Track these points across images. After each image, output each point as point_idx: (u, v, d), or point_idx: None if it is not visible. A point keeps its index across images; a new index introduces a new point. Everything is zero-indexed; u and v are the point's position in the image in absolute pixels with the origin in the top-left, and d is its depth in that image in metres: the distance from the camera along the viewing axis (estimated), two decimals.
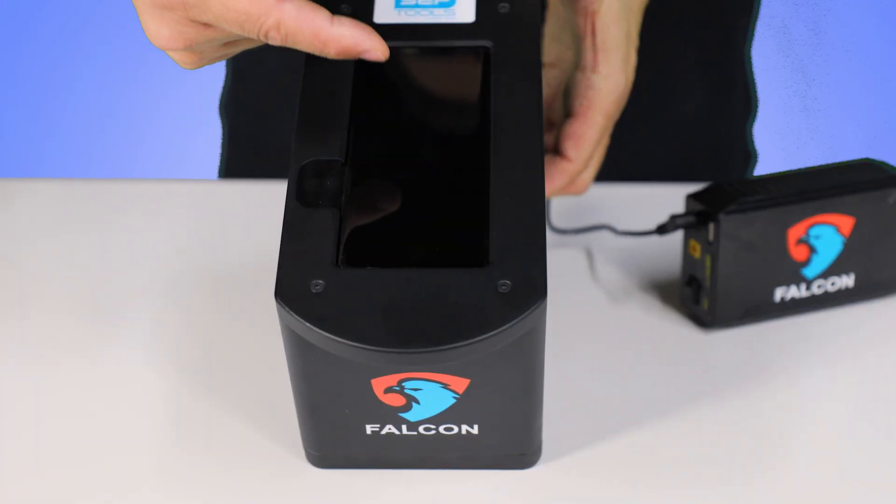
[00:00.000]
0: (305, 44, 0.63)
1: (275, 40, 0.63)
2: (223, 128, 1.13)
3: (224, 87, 1.11)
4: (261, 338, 0.76)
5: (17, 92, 2.51)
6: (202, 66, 0.67)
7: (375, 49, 0.64)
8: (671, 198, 0.87)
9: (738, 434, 0.69)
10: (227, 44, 0.66)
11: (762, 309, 0.77)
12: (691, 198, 0.77)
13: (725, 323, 0.77)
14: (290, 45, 0.63)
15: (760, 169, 1.10)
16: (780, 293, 0.77)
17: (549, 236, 0.87)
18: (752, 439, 0.69)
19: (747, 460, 0.67)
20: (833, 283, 0.78)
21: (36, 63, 2.47)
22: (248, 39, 0.65)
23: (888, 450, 0.68)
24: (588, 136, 0.72)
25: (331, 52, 0.64)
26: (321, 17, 0.63)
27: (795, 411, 0.71)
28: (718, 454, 0.67)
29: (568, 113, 0.73)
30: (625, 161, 1.04)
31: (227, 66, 1.10)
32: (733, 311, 0.77)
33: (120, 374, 0.74)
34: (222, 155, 1.14)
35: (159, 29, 0.63)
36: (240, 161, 1.09)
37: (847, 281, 0.78)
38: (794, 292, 0.77)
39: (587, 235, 0.87)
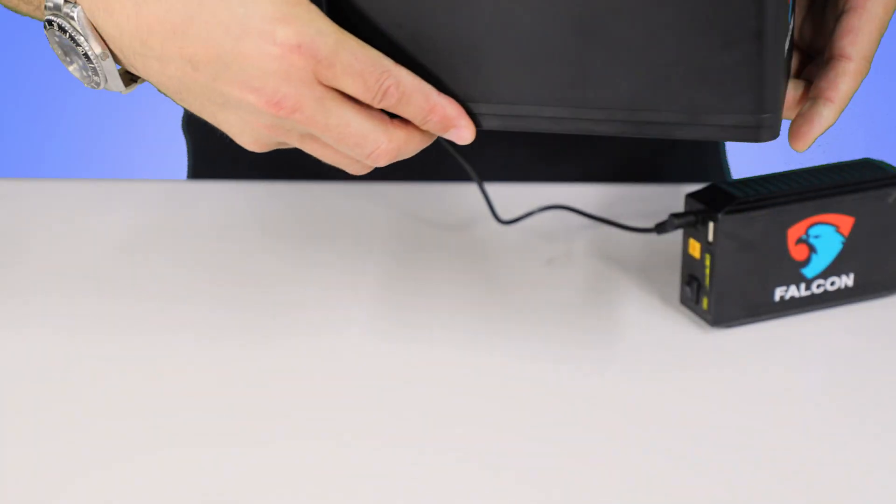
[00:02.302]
0: (415, 106, 0.64)
1: (390, 98, 0.63)
2: (187, 144, 1.12)
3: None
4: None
5: (16, 92, 2.51)
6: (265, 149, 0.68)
7: (467, 128, 0.65)
8: (672, 197, 0.87)
9: (737, 433, 0.69)
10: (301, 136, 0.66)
11: (762, 308, 0.77)
12: (691, 197, 0.77)
13: (725, 322, 0.77)
14: (399, 106, 0.64)
15: (763, 171, 1.10)
16: (779, 293, 0.77)
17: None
18: (751, 438, 0.68)
19: (747, 459, 0.67)
20: (833, 283, 0.78)
21: (36, 63, 2.47)
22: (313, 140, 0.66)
23: (888, 448, 0.68)
24: (866, 29, 0.67)
25: (434, 118, 0.65)
26: (428, 84, 0.64)
27: (795, 410, 0.71)
28: (718, 453, 0.67)
29: (840, 12, 0.69)
30: (602, 165, 1.04)
31: None
32: (733, 310, 0.77)
33: (120, 371, 0.74)
34: (189, 167, 1.13)
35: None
36: (206, 173, 1.08)
37: (846, 280, 0.78)
38: (793, 292, 0.77)
39: (587, 233, 0.87)
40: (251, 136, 0.66)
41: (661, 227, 0.78)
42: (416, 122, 0.65)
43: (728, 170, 1.14)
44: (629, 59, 0.63)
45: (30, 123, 2.52)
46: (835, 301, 0.79)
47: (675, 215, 0.77)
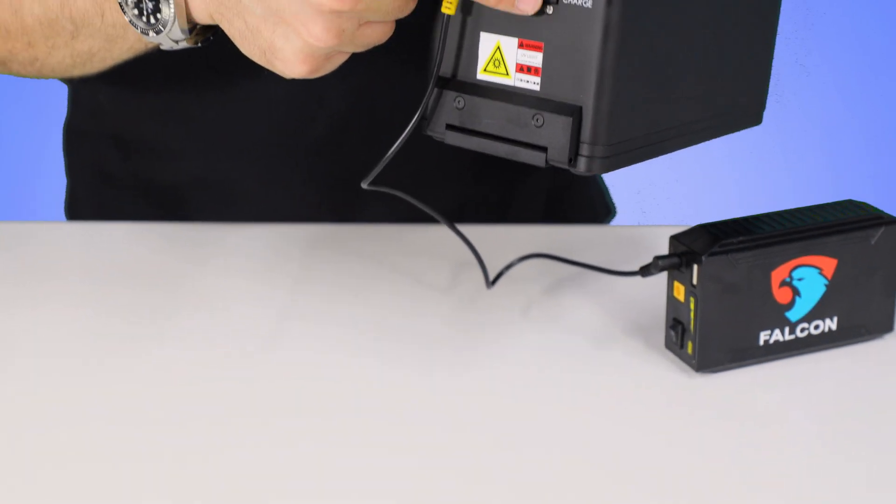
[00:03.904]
0: None
1: None
2: None
3: (67, 193, 1.11)
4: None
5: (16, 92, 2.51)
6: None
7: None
8: (656, 239, 0.86)
9: (723, 478, 0.69)
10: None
11: (746, 352, 0.77)
12: (675, 239, 0.77)
13: (710, 366, 0.77)
14: None
15: (761, 180, 1.10)
16: (763, 336, 0.77)
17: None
18: (737, 483, 0.69)
19: (733, 503, 0.67)
20: (816, 326, 0.78)
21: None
22: None
23: (874, 491, 0.68)
24: None
25: None
26: None
27: (781, 454, 0.71)
28: (704, 499, 0.68)
29: None
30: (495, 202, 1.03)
31: (68, 176, 1.10)
32: (717, 354, 0.77)
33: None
34: None
35: None
36: None
37: (830, 324, 0.78)
38: (777, 336, 0.77)
39: (569, 277, 0.87)
40: (304, 53, 0.70)
41: (645, 270, 0.78)
42: None
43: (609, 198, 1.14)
44: (730, 68, 0.74)
45: (29, 125, 2.52)
46: (818, 345, 0.79)
47: (659, 258, 0.77)
